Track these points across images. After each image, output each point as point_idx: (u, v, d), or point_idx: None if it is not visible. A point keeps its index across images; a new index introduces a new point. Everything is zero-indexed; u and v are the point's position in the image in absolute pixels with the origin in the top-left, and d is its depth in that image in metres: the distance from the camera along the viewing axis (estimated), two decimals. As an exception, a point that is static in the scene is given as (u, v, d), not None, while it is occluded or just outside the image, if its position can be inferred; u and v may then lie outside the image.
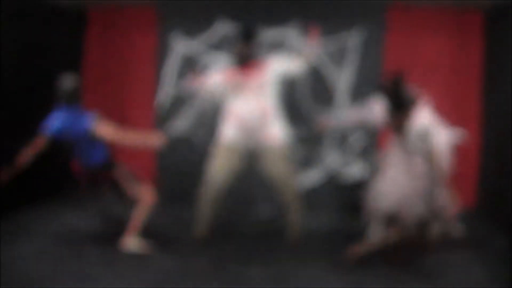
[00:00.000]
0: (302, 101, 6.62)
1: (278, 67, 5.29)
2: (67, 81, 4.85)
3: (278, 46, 6.63)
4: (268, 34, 6.59)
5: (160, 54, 6.94)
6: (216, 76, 5.38)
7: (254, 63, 5.26)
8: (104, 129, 4.80)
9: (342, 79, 6.62)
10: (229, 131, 5.32)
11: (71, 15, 7.34)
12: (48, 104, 6.73)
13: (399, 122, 4.39)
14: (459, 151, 7.29)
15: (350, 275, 4.59)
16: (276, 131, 5.31)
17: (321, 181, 6.80)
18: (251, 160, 5.45)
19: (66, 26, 7.24)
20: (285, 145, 5.37)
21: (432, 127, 4.28)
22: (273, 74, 5.26)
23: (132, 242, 5.05)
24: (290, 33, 6.64)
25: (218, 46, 6.74)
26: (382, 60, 6.72)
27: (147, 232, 5.35)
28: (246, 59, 5.21)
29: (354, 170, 6.75)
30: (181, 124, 6.85)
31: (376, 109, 4.75)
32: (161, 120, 6.97)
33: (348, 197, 6.77)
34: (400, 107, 4.28)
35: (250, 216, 6.55)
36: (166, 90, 6.88)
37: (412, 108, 4.30)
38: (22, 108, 6.33)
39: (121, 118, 7.80)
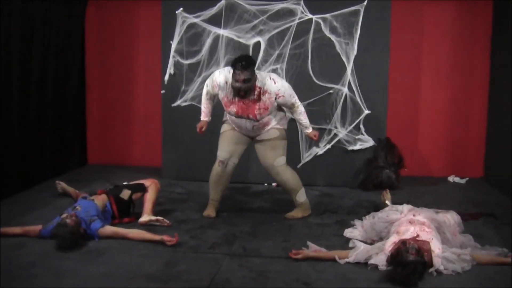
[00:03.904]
0: (313, 75, 6.61)
1: (280, 101, 5.16)
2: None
3: (284, 19, 6.61)
4: (273, 8, 6.56)
5: (165, 28, 6.89)
6: (220, 88, 5.20)
7: (253, 98, 5.09)
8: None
9: (350, 50, 6.57)
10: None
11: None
12: (50, 77, 6.80)
13: None
14: (467, 125, 7.34)
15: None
16: (272, 129, 5.35)
17: (331, 153, 6.79)
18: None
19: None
20: (278, 137, 5.37)
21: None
22: (274, 105, 5.17)
23: (149, 219, 5.12)
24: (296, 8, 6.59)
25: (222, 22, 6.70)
26: (388, 30, 6.66)
27: (159, 210, 5.49)
28: (244, 94, 5.02)
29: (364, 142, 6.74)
30: (188, 96, 6.84)
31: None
32: (168, 93, 6.95)
33: (359, 169, 6.81)
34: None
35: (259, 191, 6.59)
36: (171, 64, 6.84)
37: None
38: (26, 81, 6.35)
39: (125, 92, 7.84)
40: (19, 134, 6.21)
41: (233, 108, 5.18)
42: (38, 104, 6.59)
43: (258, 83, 5.07)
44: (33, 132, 6.52)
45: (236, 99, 5.12)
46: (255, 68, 5.13)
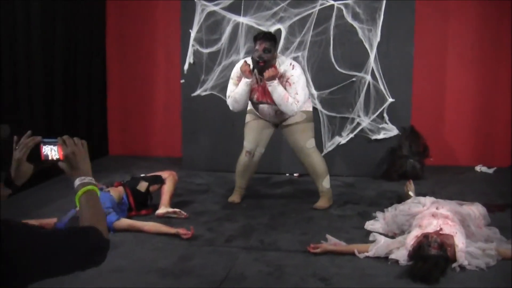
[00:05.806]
0: (335, 62, 6.48)
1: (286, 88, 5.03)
2: None
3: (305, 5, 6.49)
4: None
5: (184, 16, 6.80)
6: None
7: (273, 70, 4.97)
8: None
9: (373, 37, 6.41)
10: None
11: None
12: (71, 69, 6.79)
13: None
14: (494, 112, 7.13)
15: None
16: (295, 116, 5.23)
17: (354, 143, 6.65)
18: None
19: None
20: (305, 119, 5.29)
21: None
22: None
23: (166, 211, 5.06)
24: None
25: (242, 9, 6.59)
26: (413, 16, 6.47)
27: (178, 202, 5.43)
28: (263, 64, 4.94)
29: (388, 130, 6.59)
30: (208, 86, 6.75)
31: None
32: (187, 83, 6.86)
33: (383, 159, 6.65)
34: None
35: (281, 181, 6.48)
36: (191, 53, 6.75)
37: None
38: (48, 73, 6.36)
39: (145, 82, 7.79)
40: (40, 126, 6.18)
41: (254, 94, 5.15)
42: (60, 96, 6.59)
43: (278, 66, 5.04)
44: (55, 124, 6.50)
45: (256, 85, 5.09)
46: (278, 51, 5.14)
